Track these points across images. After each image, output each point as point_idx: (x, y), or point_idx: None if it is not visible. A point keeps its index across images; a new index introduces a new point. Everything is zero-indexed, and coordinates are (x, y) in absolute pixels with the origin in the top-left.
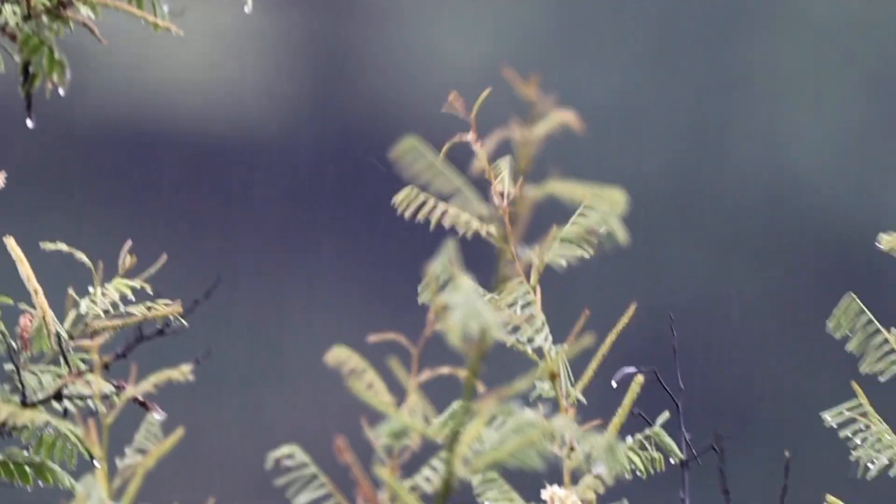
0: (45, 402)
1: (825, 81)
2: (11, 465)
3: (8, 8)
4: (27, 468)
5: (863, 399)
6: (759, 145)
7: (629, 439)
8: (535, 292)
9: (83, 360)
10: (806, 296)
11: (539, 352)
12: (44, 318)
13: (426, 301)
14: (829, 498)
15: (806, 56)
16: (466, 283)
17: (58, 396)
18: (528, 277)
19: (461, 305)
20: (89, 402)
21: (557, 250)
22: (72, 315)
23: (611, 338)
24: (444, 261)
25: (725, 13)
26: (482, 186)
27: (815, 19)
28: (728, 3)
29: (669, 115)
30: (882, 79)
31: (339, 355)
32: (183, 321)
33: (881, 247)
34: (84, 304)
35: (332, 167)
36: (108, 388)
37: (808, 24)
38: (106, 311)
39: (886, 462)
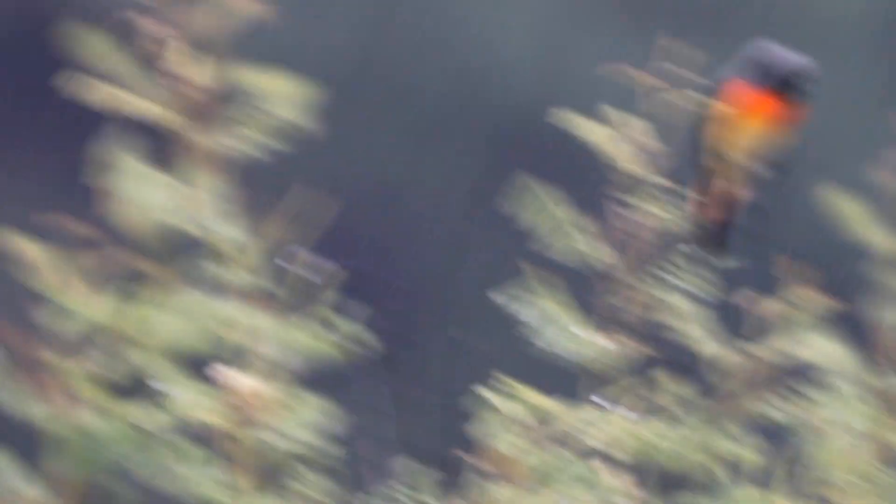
0: None
1: None
2: None
3: None
4: None
5: (535, 279)
6: (445, 29)
7: (311, 326)
8: (217, 180)
9: None
10: (489, 176)
11: (222, 239)
12: None
13: (97, 185)
14: (500, 377)
15: None
16: (136, 168)
17: None
18: (212, 165)
19: (130, 189)
20: None
21: (243, 137)
22: None
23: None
24: (111, 145)
25: None
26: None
27: None
28: None
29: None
30: None
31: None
32: None
33: (563, 123)
34: None
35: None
36: None
37: None
38: None
39: (559, 342)
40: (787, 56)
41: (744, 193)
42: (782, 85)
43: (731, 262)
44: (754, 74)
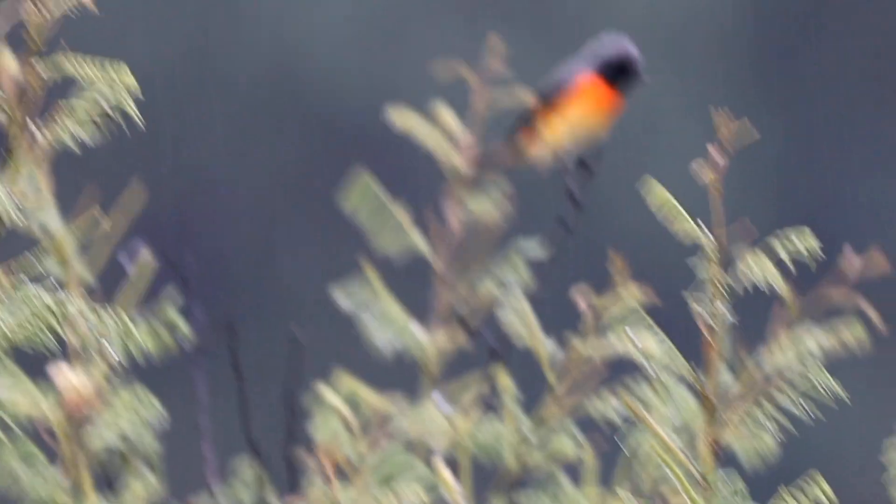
0: None
1: None
2: None
3: None
4: None
5: (372, 276)
6: (274, 24)
7: (143, 321)
8: (40, 170)
9: None
10: (316, 172)
11: (44, 230)
12: None
13: None
14: (339, 373)
15: None
16: None
17: None
18: (36, 156)
19: None
20: None
21: (68, 129)
22: None
23: (118, 218)
24: None
25: None
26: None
27: None
28: None
29: None
30: None
31: None
32: None
33: (392, 121)
34: None
35: None
36: None
37: None
38: None
39: (393, 338)
40: (619, 46)
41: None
42: (611, 73)
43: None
44: (592, 63)
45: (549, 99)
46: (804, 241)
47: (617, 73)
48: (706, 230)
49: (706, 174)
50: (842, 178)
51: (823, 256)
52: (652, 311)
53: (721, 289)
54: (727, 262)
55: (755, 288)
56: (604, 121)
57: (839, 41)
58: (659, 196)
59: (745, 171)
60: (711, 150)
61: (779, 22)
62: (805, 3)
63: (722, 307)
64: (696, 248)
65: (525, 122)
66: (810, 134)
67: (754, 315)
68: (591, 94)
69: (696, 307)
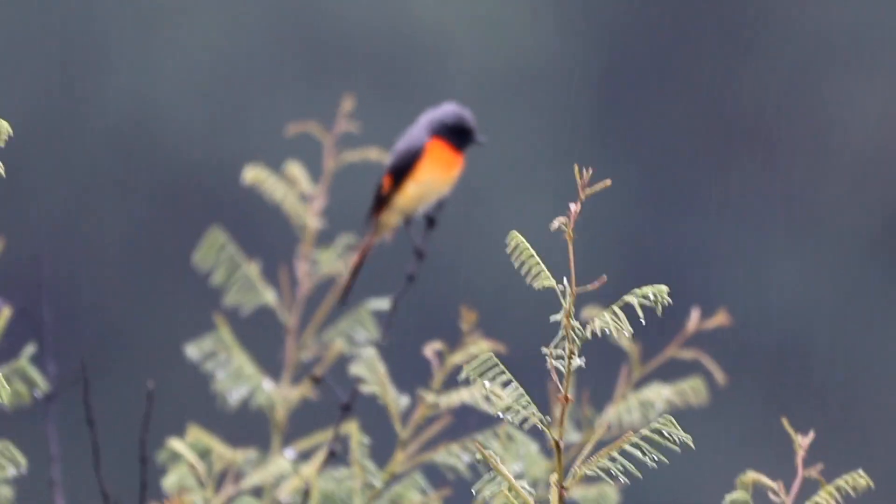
0: None
1: (192, 20)
2: None
3: None
4: None
5: (224, 332)
6: (126, 78)
7: None
8: None
9: None
10: (171, 229)
11: None
12: None
13: None
14: (190, 427)
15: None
16: None
17: None
18: None
19: None
20: None
21: None
22: None
23: None
24: None
25: None
26: None
27: None
28: None
29: (39, 48)
30: (247, 18)
31: None
32: None
33: (245, 179)
34: None
35: None
36: None
37: None
38: None
39: (246, 393)
40: (457, 112)
41: (384, 242)
42: (453, 136)
43: (383, 304)
44: (435, 129)
45: (400, 168)
46: (657, 295)
47: (457, 136)
48: (562, 282)
49: (561, 224)
50: (691, 229)
51: (672, 304)
52: (504, 362)
53: (573, 340)
54: (580, 314)
55: (606, 340)
56: (450, 180)
57: (687, 94)
58: (518, 248)
59: (597, 224)
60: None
61: (628, 75)
62: (655, 56)
63: (573, 357)
64: (551, 300)
65: (378, 200)
66: (659, 185)
67: (605, 367)
68: (438, 157)
69: (548, 358)
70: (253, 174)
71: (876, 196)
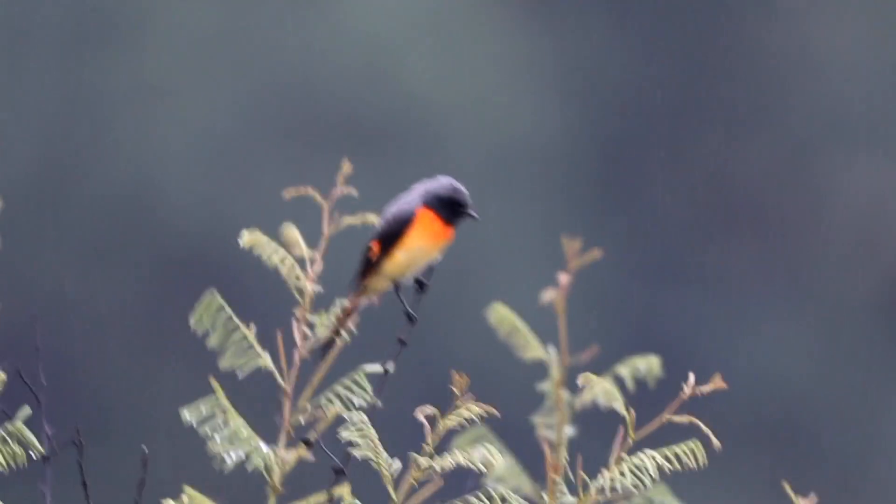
0: None
1: (191, 94)
2: None
3: None
4: None
5: (221, 395)
6: (118, 153)
7: None
8: None
9: None
10: (167, 296)
11: None
12: None
13: None
14: (187, 489)
15: (173, 68)
16: None
17: None
18: None
19: None
20: None
21: None
22: None
23: None
24: None
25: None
26: None
27: (187, 32)
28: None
29: (41, 117)
30: (245, 93)
31: None
32: None
33: (242, 243)
34: None
35: None
36: None
37: (182, 35)
38: None
39: (243, 456)
40: (452, 185)
41: (371, 304)
42: (444, 209)
43: (376, 368)
44: (427, 200)
45: (389, 235)
46: (648, 365)
47: (448, 209)
48: (551, 352)
49: (552, 295)
50: (688, 299)
51: (665, 375)
52: (496, 430)
53: (563, 408)
54: (571, 384)
55: (599, 409)
56: (438, 249)
57: (684, 166)
58: (504, 319)
59: (588, 297)
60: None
61: (625, 148)
62: (653, 130)
63: (564, 426)
64: (540, 370)
65: (367, 263)
66: (658, 255)
67: (598, 436)
68: (427, 225)
69: (538, 425)
70: (250, 238)
71: (872, 264)
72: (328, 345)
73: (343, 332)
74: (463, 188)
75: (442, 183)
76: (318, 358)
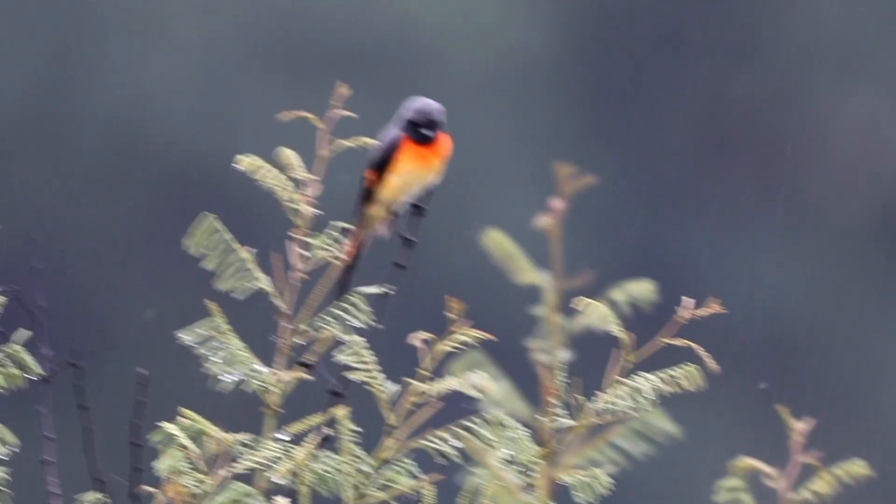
0: None
1: (184, 18)
2: None
3: None
4: None
5: (219, 317)
6: (112, 77)
7: None
8: None
9: None
10: (163, 218)
11: None
12: None
13: None
14: (183, 410)
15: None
16: None
17: None
18: None
19: None
20: None
21: None
22: None
23: None
24: None
25: None
26: None
27: None
28: None
29: (32, 43)
30: (237, 15)
31: None
32: None
33: (239, 167)
34: None
35: None
36: None
37: None
38: None
39: (240, 377)
40: (413, 108)
41: (380, 235)
42: (416, 130)
43: (375, 290)
44: (403, 125)
45: (380, 162)
46: (642, 290)
47: (413, 130)
48: (545, 275)
49: (546, 220)
50: (675, 223)
51: (659, 302)
52: (492, 353)
53: (559, 332)
54: (565, 307)
55: (595, 333)
56: (432, 170)
57: (677, 91)
58: (498, 244)
59: (582, 219)
60: (552, 198)
61: (618, 73)
62: (645, 53)
63: (559, 350)
64: (535, 293)
65: (364, 194)
66: (650, 181)
67: (594, 359)
68: (411, 148)
69: (534, 349)
70: (248, 162)
71: (870, 188)
72: (344, 281)
73: (354, 265)
74: (427, 107)
75: (409, 106)
76: (336, 296)
